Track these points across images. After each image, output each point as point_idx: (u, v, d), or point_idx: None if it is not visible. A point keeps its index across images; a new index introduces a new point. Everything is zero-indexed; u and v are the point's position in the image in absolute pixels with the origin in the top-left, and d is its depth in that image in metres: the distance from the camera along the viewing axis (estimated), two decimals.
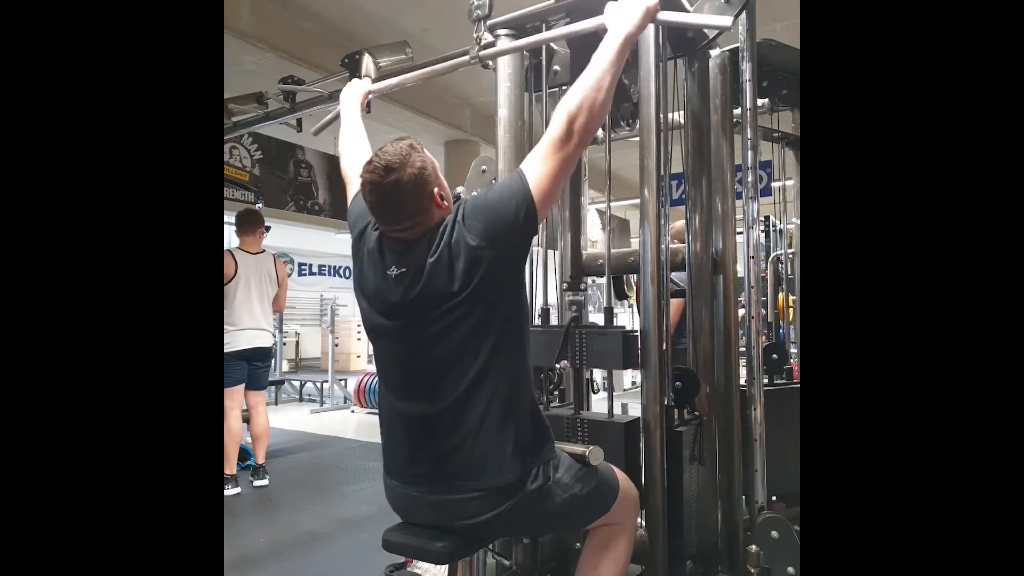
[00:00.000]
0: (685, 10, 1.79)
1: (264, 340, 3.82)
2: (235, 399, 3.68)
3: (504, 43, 1.81)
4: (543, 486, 1.28)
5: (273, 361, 6.26)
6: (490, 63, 1.96)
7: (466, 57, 1.70)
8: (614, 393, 1.85)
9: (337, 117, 1.85)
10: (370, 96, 1.88)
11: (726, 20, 1.34)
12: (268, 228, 4.52)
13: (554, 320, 1.98)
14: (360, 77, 2.77)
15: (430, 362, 1.29)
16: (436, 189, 1.29)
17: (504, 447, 1.25)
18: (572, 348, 1.71)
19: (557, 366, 1.71)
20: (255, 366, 3.80)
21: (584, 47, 1.86)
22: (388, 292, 1.32)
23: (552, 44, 1.92)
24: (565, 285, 2.00)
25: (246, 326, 3.67)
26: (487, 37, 1.65)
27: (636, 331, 1.69)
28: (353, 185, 1.54)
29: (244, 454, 4.09)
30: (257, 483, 3.78)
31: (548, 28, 1.86)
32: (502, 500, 1.25)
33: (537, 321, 1.87)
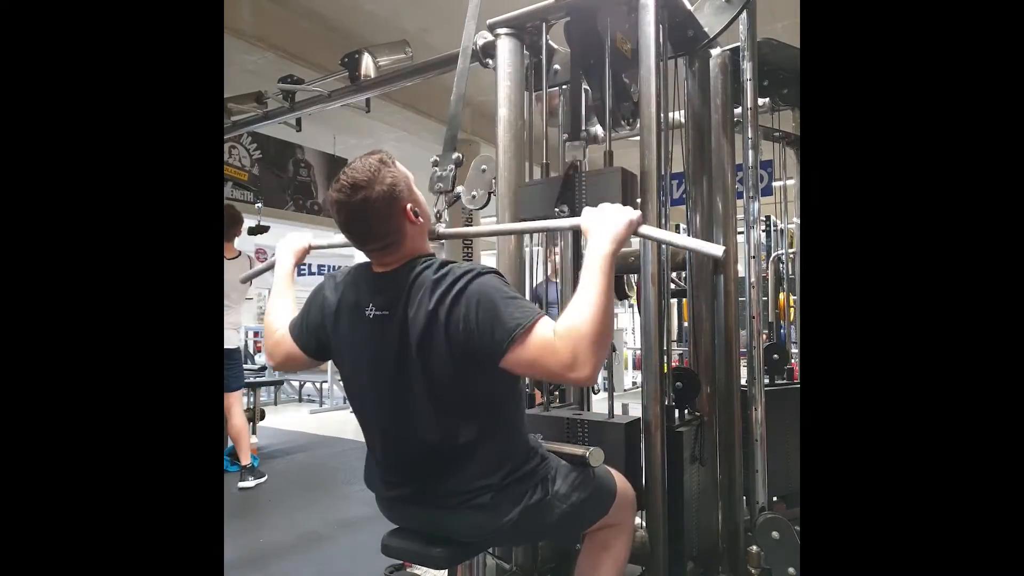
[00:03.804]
0: (691, 25, 1.78)
1: (228, 342, 3.69)
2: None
3: (503, 62, 1.83)
4: (542, 500, 1.27)
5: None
6: (489, 63, 1.96)
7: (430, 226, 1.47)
8: (614, 393, 1.85)
9: (269, 268, 1.70)
10: (309, 251, 1.73)
11: (717, 250, 1.22)
12: (267, 228, 4.51)
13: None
14: (358, 75, 2.77)
15: (414, 407, 1.22)
16: (409, 205, 1.23)
17: (501, 478, 1.22)
18: (571, 194, 1.65)
19: (556, 211, 1.65)
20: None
21: (584, 46, 1.86)
22: (366, 336, 1.25)
23: (551, 43, 1.92)
24: (566, 136, 1.96)
25: None
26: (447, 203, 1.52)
27: (636, 173, 1.63)
28: (282, 340, 1.42)
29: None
30: (242, 485, 3.69)
31: (548, 27, 1.86)
32: (500, 518, 1.23)
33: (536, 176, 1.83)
